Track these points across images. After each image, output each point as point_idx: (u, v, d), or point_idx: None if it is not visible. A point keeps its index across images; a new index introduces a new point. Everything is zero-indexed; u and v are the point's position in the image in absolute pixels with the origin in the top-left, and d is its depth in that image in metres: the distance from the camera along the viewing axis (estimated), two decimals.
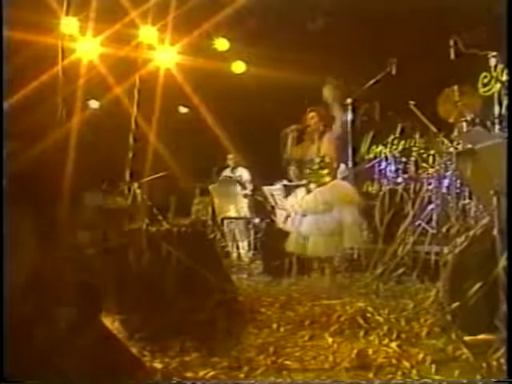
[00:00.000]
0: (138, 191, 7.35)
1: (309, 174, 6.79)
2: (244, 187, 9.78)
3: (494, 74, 6.75)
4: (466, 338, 3.56)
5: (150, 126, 8.73)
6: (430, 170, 6.81)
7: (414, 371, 3.18)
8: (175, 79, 9.38)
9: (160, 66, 9.45)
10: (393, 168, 7.70)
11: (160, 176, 8.10)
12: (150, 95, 8.69)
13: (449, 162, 6.29)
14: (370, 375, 3.16)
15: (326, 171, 6.62)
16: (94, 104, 10.51)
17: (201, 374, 3.24)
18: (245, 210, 9.55)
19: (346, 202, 6.52)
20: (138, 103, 7.89)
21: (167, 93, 9.20)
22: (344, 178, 9.70)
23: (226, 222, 9.70)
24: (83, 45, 8.61)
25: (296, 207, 6.70)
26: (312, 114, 6.84)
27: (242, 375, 3.25)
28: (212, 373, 3.26)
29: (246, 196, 9.63)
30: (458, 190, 6.25)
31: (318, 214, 6.42)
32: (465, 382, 3.07)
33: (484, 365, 3.11)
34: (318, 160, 6.67)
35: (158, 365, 3.33)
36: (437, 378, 3.11)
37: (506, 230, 3.41)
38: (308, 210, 6.51)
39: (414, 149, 7.38)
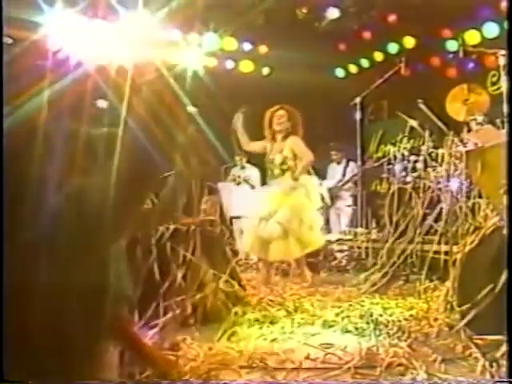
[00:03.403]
0: None
1: (270, 175, 6.71)
2: (252, 186, 9.77)
3: (503, 73, 6.72)
4: (476, 338, 3.55)
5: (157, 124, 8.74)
6: (439, 169, 6.78)
7: (423, 370, 3.17)
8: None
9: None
10: (401, 167, 7.68)
11: (168, 175, 8.09)
12: (158, 93, 8.70)
13: (458, 161, 6.27)
14: (379, 374, 3.15)
15: (288, 173, 6.51)
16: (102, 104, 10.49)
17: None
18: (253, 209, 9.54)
19: (306, 206, 6.47)
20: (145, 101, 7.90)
21: (176, 91, 9.21)
22: (353, 177, 9.76)
23: (234, 220, 9.70)
24: None
25: (258, 209, 6.61)
26: (281, 112, 6.67)
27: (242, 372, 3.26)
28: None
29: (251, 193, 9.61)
30: (467, 189, 6.23)
31: (278, 217, 6.34)
32: (464, 381, 3.06)
33: (494, 364, 3.10)
34: (279, 161, 6.56)
35: None
36: (444, 377, 3.10)
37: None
38: (269, 213, 6.42)
39: (423, 147, 7.35)
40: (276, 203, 6.38)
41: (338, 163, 10.42)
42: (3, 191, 2.38)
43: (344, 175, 10.13)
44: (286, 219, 6.27)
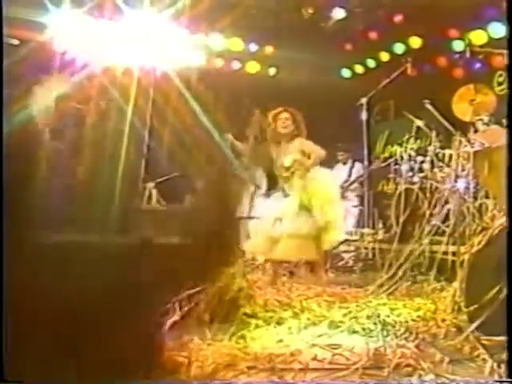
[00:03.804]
0: (154, 191, 7.33)
1: (280, 179, 6.69)
2: (257, 186, 9.75)
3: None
4: (484, 339, 3.54)
5: (164, 125, 8.74)
6: (447, 170, 6.76)
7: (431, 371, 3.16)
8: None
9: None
10: (408, 167, 7.65)
11: (175, 176, 8.09)
12: (165, 94, 8.70)
13: (465, 162, 6.25)
14: (387, 375, 3.15)
15: (298, 174, 6.50)
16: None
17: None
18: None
19: (325, 203, 6.45)
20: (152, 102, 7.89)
21: (181, 92, 9.20)
22: (359, 178, 9.74)
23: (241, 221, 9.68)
24: None
25: (275, 212, 6.58)
26: (286, 115, 6.64)
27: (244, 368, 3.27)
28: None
29: (261, 195, 9.59)
30: (474, 190, 6.21)
31: (296, 217, 6.33)
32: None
33: (502, 366, 3.08)
34: (288, 164, 6.53)
35: None
36: (452, 377, 3.09)
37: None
38: (287, 215, 6.40)
39: (430, 148, 7.32)
40: (291, 205, 6.38)
41: (344, 164, 10.41)
42: (3, 191, 2.38)
43: (350, 176, 10.12)
44: (300, 219, 6.28)
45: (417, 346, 3.61)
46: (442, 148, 7.14)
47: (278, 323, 4.42)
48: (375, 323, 4.30)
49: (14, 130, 2.61)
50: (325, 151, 6.63)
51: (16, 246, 2.34)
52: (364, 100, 8.93)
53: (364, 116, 8.98)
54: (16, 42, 7.51)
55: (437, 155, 7.18)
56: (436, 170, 7.10)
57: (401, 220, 6.76)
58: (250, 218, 9.46)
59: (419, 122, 7.67)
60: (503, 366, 3.08)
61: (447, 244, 5.90)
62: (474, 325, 3.62)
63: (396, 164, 8.02)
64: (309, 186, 6.47)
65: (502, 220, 4.00)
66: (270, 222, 6.47)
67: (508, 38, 3.88)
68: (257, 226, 6.78)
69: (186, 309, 4.11)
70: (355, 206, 9.89)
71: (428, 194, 6.62)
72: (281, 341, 3.92)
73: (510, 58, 4.17)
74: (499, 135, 5.95)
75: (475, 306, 3.66)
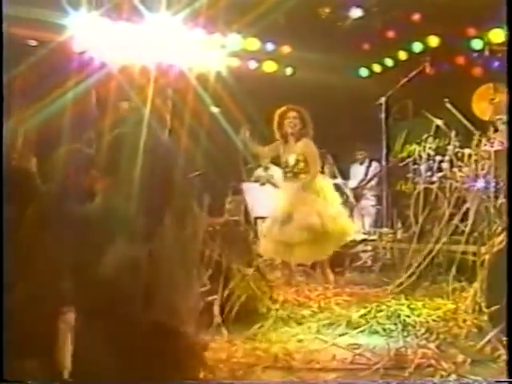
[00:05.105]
0: None
1: (285, 178, 6.67)
2: (275, 186, 9.72)
3: None
4: (505, 340, 3.51)
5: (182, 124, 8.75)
6: (466, 169, 6.70)
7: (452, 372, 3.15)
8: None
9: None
10: (427, 167, 7.59)
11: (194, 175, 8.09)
12: (182, 94, 8.71)
13: (485, 161, 6.19)
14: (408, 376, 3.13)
15: (302, 175, 6.48)
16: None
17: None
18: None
19: (326, 207, 6.42)
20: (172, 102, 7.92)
21: (199, 92, 9.21)
22: (374, 177, 9.71)
23: (259, 221, 9.66)
24: None
25: (276, 212, 6.56)
26: (294, 113, 6.56)
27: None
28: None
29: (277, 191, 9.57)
30: (494, 189, 6.15)
31: (299, 220, 6.31)
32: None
33: None
34: (293, 163, 6.52)
35: None
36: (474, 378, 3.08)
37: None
38: (288, 216, 6.37)
39: (449, 147, 7.26)
40: (291, 203, 6.37)
41: (361, 163, 10.36)
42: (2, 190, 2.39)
43: (366, 175, 10.07)
44: (307, 221, 6.25)
45: (438, 347, 3.60)
46: (462, 147, 7.07)
47: (298, 323, 4.42)
48: (395, 323, 4.29)
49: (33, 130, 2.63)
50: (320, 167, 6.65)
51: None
52: (383, 99, 8.88)
53: (383, 115, 8.93)
54: (34, 43, 7.55)
55: (456, 154, 7.11)
56: (455, 169, 7.03)
57: (420, 219, 6.71)
58: (262, 218, 9.48)
59: (438, 121, 7.60)
60: None
61: (467, 244, 5.85)
62: (497, 329, 3.59)
63: (415, 163, 7.95)
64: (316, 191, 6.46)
65: None
66: (277, 224, 6.44)
67: (508, 38, 3.86)
68: (264, 227, 6.79)
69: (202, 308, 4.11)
70: (373, 206, 9.85)
71: (447, 194, 6.56)
72: (301, 341, 3.92)
73: (510, 58, 4.15)
74: None
75: (496, 306, 3.63)
